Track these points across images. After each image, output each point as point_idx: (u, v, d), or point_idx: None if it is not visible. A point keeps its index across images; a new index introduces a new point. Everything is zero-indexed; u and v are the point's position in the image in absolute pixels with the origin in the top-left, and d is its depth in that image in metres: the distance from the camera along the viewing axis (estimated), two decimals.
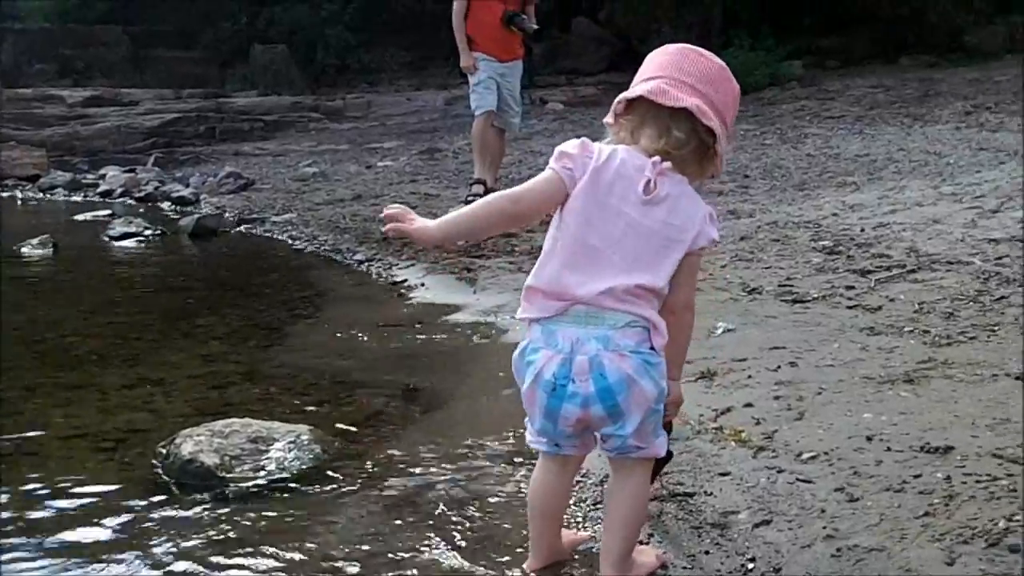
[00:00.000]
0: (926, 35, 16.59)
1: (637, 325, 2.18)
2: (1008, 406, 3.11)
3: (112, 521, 2.87)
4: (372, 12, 18.77)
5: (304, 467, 3.17)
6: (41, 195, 11.64)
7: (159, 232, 8.33)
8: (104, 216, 9.43)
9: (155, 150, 14.18)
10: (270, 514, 2.89)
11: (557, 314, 2.20)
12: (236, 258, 7.55)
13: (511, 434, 3.44)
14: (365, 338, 4.89)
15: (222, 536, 2.76)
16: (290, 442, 3.26)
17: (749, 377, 3.64)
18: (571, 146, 2.25)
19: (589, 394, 2.18)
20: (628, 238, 2.19)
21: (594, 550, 2.50)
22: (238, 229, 8.59)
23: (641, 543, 2.55)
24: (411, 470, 3.19)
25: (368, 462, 3.27)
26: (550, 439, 2.33)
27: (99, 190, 11.49)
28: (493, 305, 5.23)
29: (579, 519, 2.76)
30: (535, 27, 8.08)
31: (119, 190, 11.27)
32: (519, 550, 2.57)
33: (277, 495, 3.04)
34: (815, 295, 4.63)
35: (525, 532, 2.54)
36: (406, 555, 2.62)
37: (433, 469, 3.19)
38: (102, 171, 12.63)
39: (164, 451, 3.23)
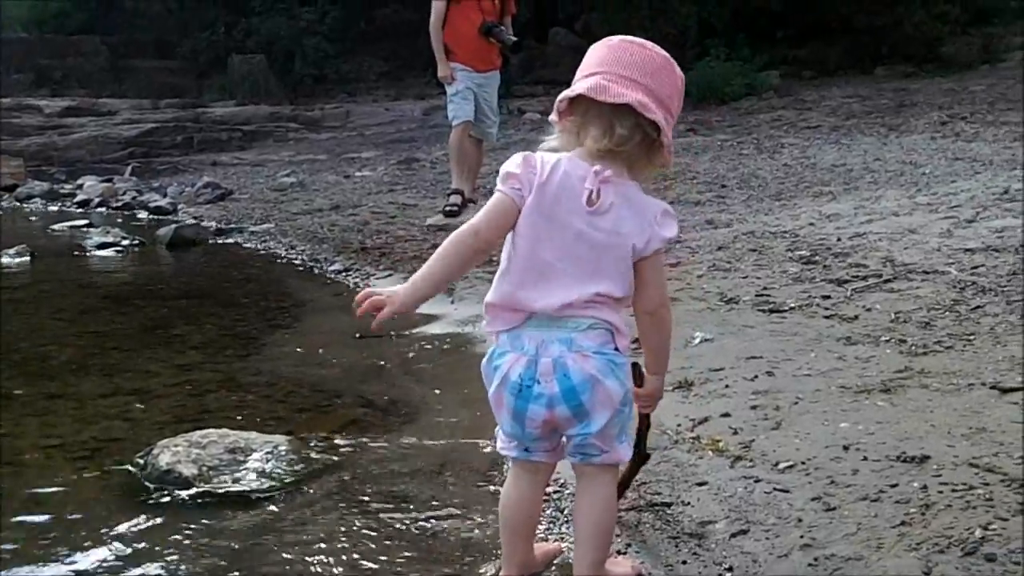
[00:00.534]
0: (902, 46, 16.70)
1: (599, 327, 2.19)
2: (984, 415, 3.12)
3: (88, 530, 2.86)
4: (350, 22, 18.79)
5: (282, 477, 3.17)
6: (18, 205, 11.57)
7: (136, 242, 8.29)
8: (81, 226, 9.38)
9: (133, 160, 14.13)
10: (247, 524, 2.88)
11: (520, 324, 2.21)
12: (213, 268, 7.52)
13: (489, 444, 3.44)
14: (343, 348, 4.88)
15: (198, 546, 2.75)
16: (268, 452, 3.25)
17: (726, 387, 3.65)
18: (514, 165, 2.22)
19: (554, 394, 2.18)
20: (580, 249, 2.18)
21: (570, 560, 2.50)
22: (216, 239, 8.55)
23: (619, 553, 2.55)
24: (389, 480, 3.19)
25: (346, 472, 3.27)
26: (519, 443, 2.33)
27: (76, 200, 11.43)
28: (471, 315, 5.22)
29: (563, 530, 2.76)
30: (513, 38, 8.09)
31: (96, 200, 11.21)
32: (497, 560, 2.56)
33: (254, 505, 3.02)
34: (792, 305, 4.65)
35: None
36: (384, 565, 2.62)
37: (411, 479, 3.19)
38: (79, 181, 12.57)
39: (142, 461, 3.22)
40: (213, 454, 3.20)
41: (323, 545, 2.75)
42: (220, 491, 3.08)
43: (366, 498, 3.06)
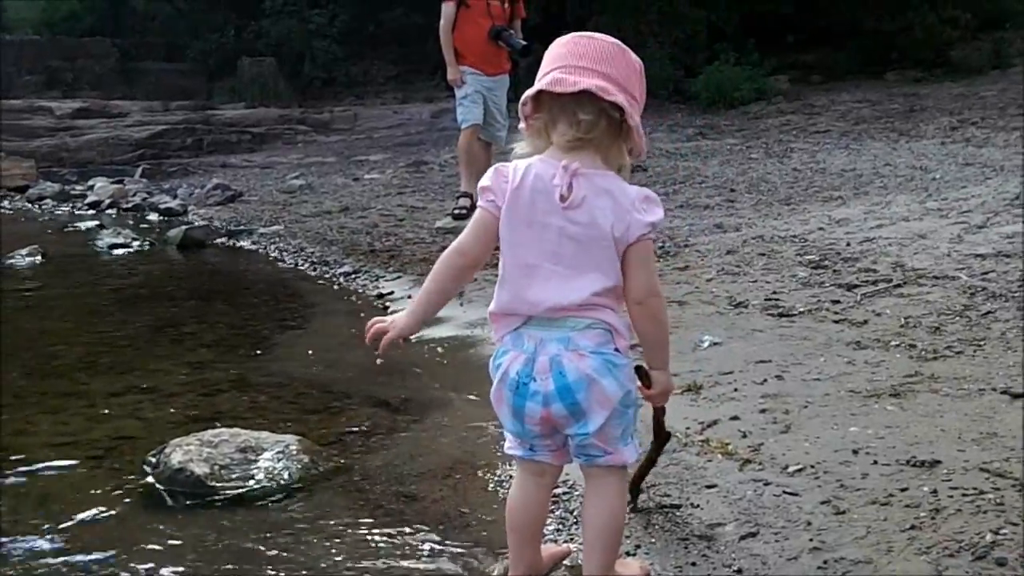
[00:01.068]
0: (912, 50, 16.69)
1: (598, 327, 2.21)
2: (994, 420, 3.13)
3: (101, 528, 2.88)
4: (359, 25, 18.80)
5: (293, 477, 3.18)
6: (30, 206, 11.60)
7: (147, 243, 8.32)
8: (92, 227, 9.41)
9: (143, 162, 14.17)
10: (259, 523, 2.90)
11: (521, 324, 2.24)
12: (223, 269, 7.55)
13: (498, 444, 3.45)
14: (353, 349, 4.89)
15: (210, 545, 2.77)
16: (279, 452, 3.26)
17: (735, 390, 3.66)
18: (487, 178, 2.26)
19: (549, 392, 2.20)
20: (563, 247, 2.19)
21: (580, 561, 2.51)
22: (225, 241, 8.58)
23: (628, 554, 2.56)
24: (398, 480, 3.20)
25: (356, 472, 3.28)
26: (523, 441, 2.35)
27: (87, 201, 11.46)
28: (479, 317, 5.22)
29: (573, 531, 2.77)
30: (522, 43, 8.10)
31: (107, 201, 11.24)
32: (507, 560, 2.57)
33: (266, 504, 3.04)
34: (801, 309, 4.65)
35: None
36: (394, 564, 2.63)
37: (420, 479, 3.20)
38: (90, 182, 12.60)
39: (154, 460, 3.23)
40: (225, 453, 3.21)
41: (333, 544, 2.77)
42: (231, 490, 3.10)
43: (376, 498, 3.08)
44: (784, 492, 2.78)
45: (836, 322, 4.43)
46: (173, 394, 4.18)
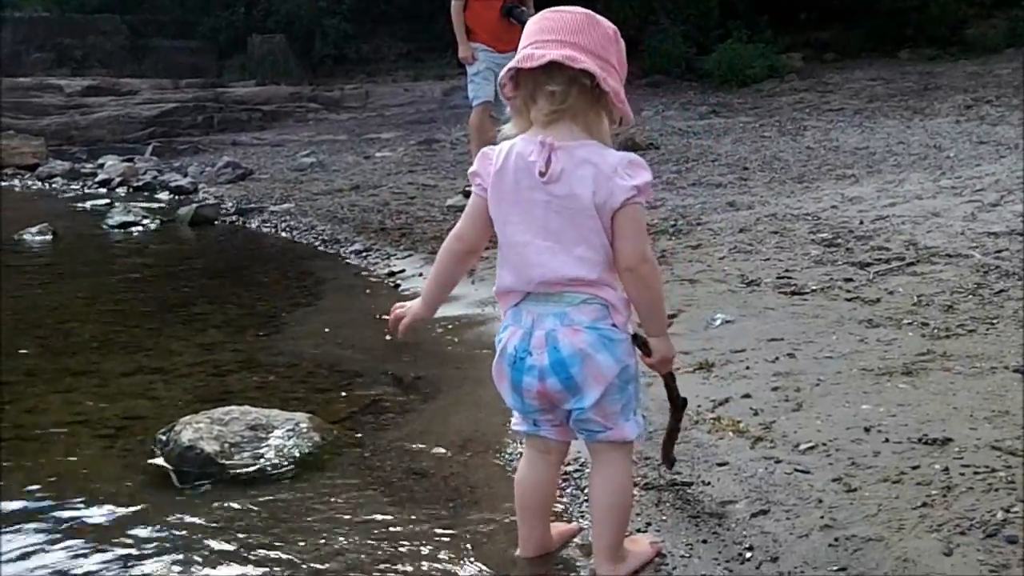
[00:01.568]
0: (926, 28, 16.58)
1: (594, 302, 2.23)
2: (1006, 399, 3.11)
3: (112, 507, 2.88)
4: (370, 2, 18.75)
5: (303, 454, 3.18)
6: (40, 184, 11.62)
7: (157, 221, 8.33)
8: (102, 205, 9.42)
9: (153, 139, 14.19)
10: (269, 501, 2.90)
11: (521, 300, 2.28)
12: (234, 247, 7.55)
13: (507, 423, 3.44)
14: (363, 328, 4.89)
15: (221, 523, 2.77)
16: (289, 430, 3.26)
17: (747, 368, 3.65)
18: (475, 164, 2.32)
19: (544, 366, 2.23)
20: (550, 221, 2.21)
21: (590, 538, 2.51)
22: (236, 219, 8.58)
23: (638, 531, 2.56)
24: (409, 458, 3.20)
25: (366, 450, 3.29)
26: (526, 417, 2.38)
27: (97, 179, 11.47)
28: (490, 295, 5.19)
29: (584, 508, 2.77)
30: None
31: (117, 179, 11.25)
32: (517, 537, 2.57)
33: (276, 482, 3.04)
34: (814, 287, 4.63)
35: None
36: (403, 542, 2.63)
37: (431, 457, 3.20)
38: (100, 160, 12.61)
39: (164, 438, 3.24)
40: (235, 431, 3.22)
41: (343, 521, 2.77)
42: (241, 468, 3.10)
43: (387, 475, 3.08)
44: (795, 470, 2.77)
45: (848, 300, 4.41)
46: (184, 373, 4.18)
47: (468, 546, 2.60)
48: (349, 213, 8.15)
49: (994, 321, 3.92)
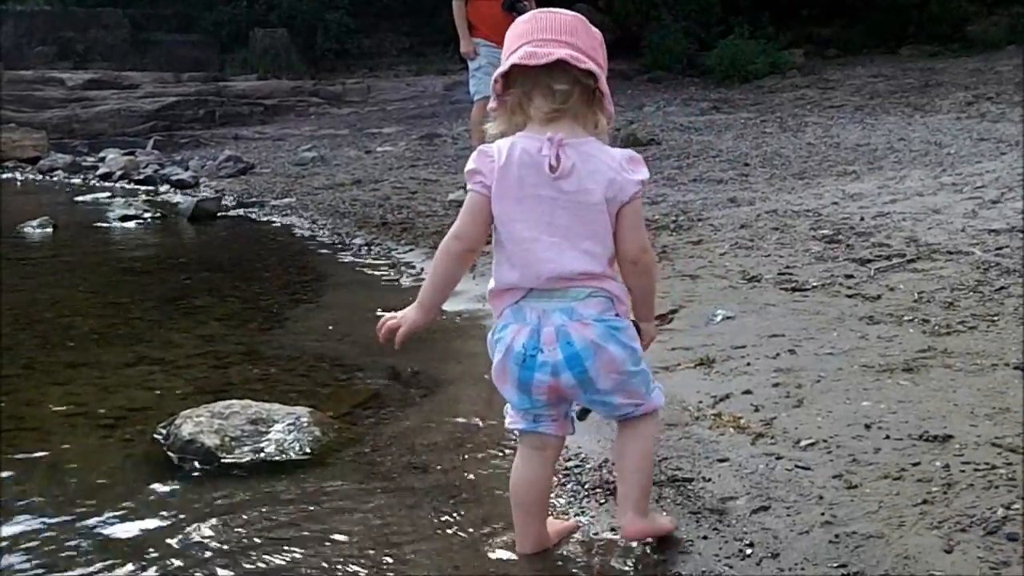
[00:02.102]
0: (927, 25, 16.57)
1: (599, 295, 2.26)
2: (1007, 395, 3.11)
3: (111, 497, 2.88)
4: None
5: (303, 449, 3.18)
6: (41, 177, 11.63)
7: (158, 215, 8.34)
8: (103, 198, 9.43)
9: (154, 133, 14.19)
10: (269, 495, 2.90)
11: (521, 297, 2.28)
12: (235, 241, 7.55)
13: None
14: (364, 322, 4.88)
15: (221, 516, 2.77)
16: (290, 424, 3.26)
17: (748, 364, 3.65)
18: (474, 161, 2.30)
19: (558, 361, 2.25)
20: (557, 217, 2.24)
21: (591, 536, 2.52)
22: (237, 212, 8.58)
23: None
24: (409, 452, 3.20)
25: (367, 444, 3.28)
26: (525, 414, 2.38)
27: (99, 172, 11.49)
28: None
29: (584, 504, 2.77)
30: None
31: (118, 173, 11.26)
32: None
33: (276, 476, 3.04)
34: (814, 283, 4.63)
35: None
36: (404, 536, 2.63)
37: (431, 451, 3.20)
38: (102, 153, 12.64)
39: (164, 431, 3.24)
40: (235, 425, 3.22)
41: (343, 516, 2.77)
42: (242, 461, 3.10)
43: (387, 469, 3.08)
44: (796, 466, 2.77)
45: (849, 296, 4.41)
46: (184, 366, 4.18)
47: (468, 540, 2.60)
48: (350, 208, 8.15)
49: (995, 318, 3.92)
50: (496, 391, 2.30)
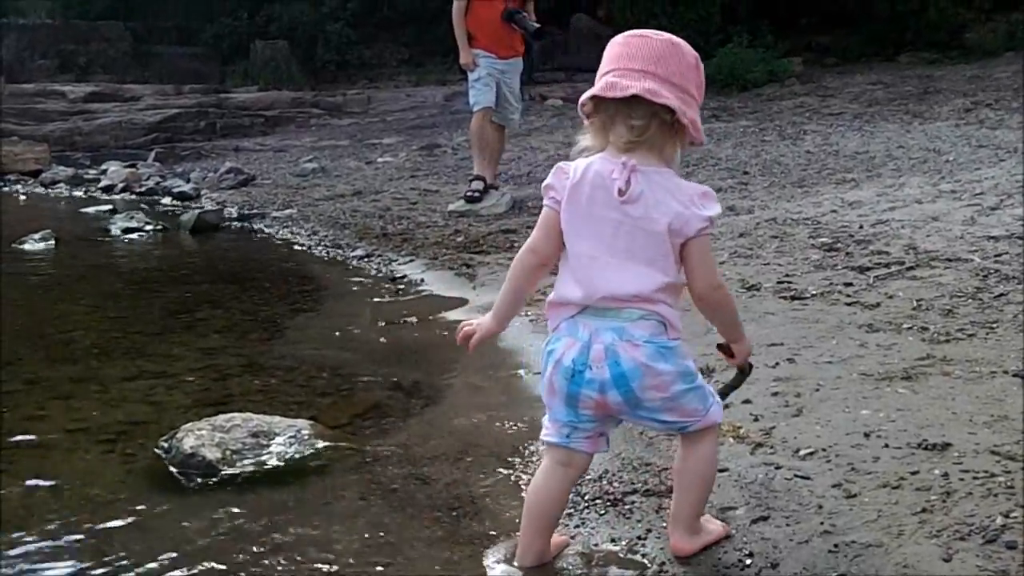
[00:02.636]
0: (925, 32, 16.57)
1: (651, 319, 2.28)
2: (1006, 403, 3.12)
3: (113, 512, 2.89)
4: (372, 8, 18.80)
5: (305, 461, 3.19)
6: (43, 190, 11.65)
7: (160, 227, 8.35)
8: (105, 211, 9.44)
9: (156, 145, 14.21)
10: (271, 508, 2.90)
11: (577, 312, 2.32)
12: (236, 253, 7.56)
13: (509, 429, 3.46)
14: (365, 333, 4.91)
15: (223, 529, 2.78)
16: (291, 436, 3.27)
17: None
18: (550, 177, 2.36)
19: (605, 380, 2.27)
20: (619, 240, 2.27)
21: (593, 547, 2.52)
22: (238, 224, 8.60)
23: (639, 539, 2.57)
24: (410, 464, 3.21)
25: (367, 456, 3.29)
26: (562, 426, 2.39)
27: (100, 185, 11.51)
28: (492, 301, 5.17)
29: (584, 515, 2.77)
30: (536, 25, 8.07)
31: (120, 185, 11.28)
32: (516, 544, 2.58)
33: (278, 489, 3.05)
34: (814, 292, 4.64)
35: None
36: (405, 548, 2.64)
37: (432, 463, 3.21)
38: (103, 166, 12.65)
39: (166, 445, 3.25)
40: (237, 438, 3.23)
41: (345, 528, 2.78)
42: (244, 474, 3.11)
43: (388, 481, 3.08)
44: (795, 476, 2.78)
45: (848, 305, 4.42)
46: (185, 379, 4.18)
47: (469, 553, 2.61)
48: (351, 218, 8.17)
49: (994, 325, 3.93)
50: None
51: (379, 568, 2.54)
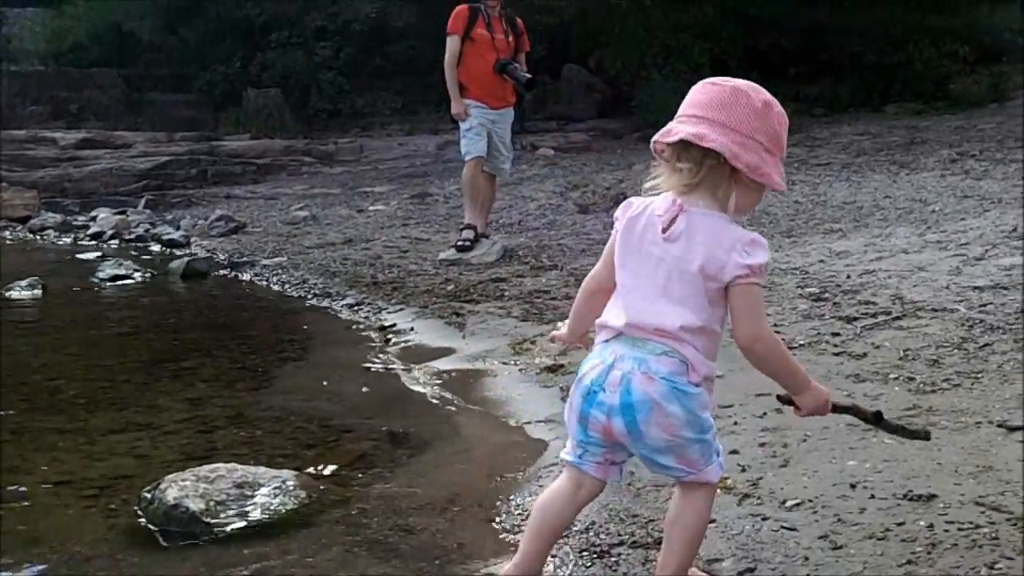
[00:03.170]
0: (912, 83, 16.78)
1: (674, 356, 2.29)
2: (991, 454, 3.13)
3: (95, 570, 2.86)
4: (365, 57, 18.93)
5: (289, 512, 3.17)
6: (32, 236, 11.64)
7: (149, 274, 8.34)
8: (94, 258, 9.43)
9: (147, 192, 14.23)
10: (254, 560, 2.88)
11: (612, 337, 2.35)
12: (225, 301, 7.55)
13: (496, 479, 3.45)
14: (353, 382, 4.90)
15: None
16: (276, 487, 3.26)
17: (735, 424, 3.66)
18: (619, 208, 2.43)
19: (613, 406, 2.29)
20: (659, 275, 2.30)
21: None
22: (228, 272, 8.60)
23: None
24: (395, 514, 3.19)
25: (354, 507, 3.27)
26: (577, 445, 2.41)
27: (90, 232, 11.50)
28: (481, 350, 5.24)
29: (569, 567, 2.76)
30: (527, 76, 8.15)
31: (110, 232, 11.28)
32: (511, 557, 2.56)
33: (262, 540, 3.03)
34: (801, 341, 4.66)
35: None
36: None
37: (418, 513, 3.19)
38: (93, 213, 12.65)
39: (149, 496, 3.22)
40: (221, 488, 3.21)
41: None
42: (228, 526, 3.09)
43: (373, 532, 3.07)
44: (782, 527, 2.78)
45: (836, 355, 4.44)
46: (170, 431, 4.16)
47: None
48: (341, 267, 8.18)
49: (979, 375, 3.94)
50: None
51: None
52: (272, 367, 5.34)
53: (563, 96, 18.19)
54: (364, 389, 4.77)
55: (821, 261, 6.56)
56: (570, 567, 2.74)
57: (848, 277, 5.93)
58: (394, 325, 6.12)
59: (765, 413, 3.72)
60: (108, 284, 8.02)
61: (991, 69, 16.81)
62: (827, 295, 5.52)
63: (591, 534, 2.90)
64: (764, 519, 2.85)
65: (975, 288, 5.28)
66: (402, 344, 5.70)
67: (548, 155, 15.34)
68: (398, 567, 2.82)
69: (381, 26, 18.80)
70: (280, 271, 8.32)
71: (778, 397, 2.47)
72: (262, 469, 3.38)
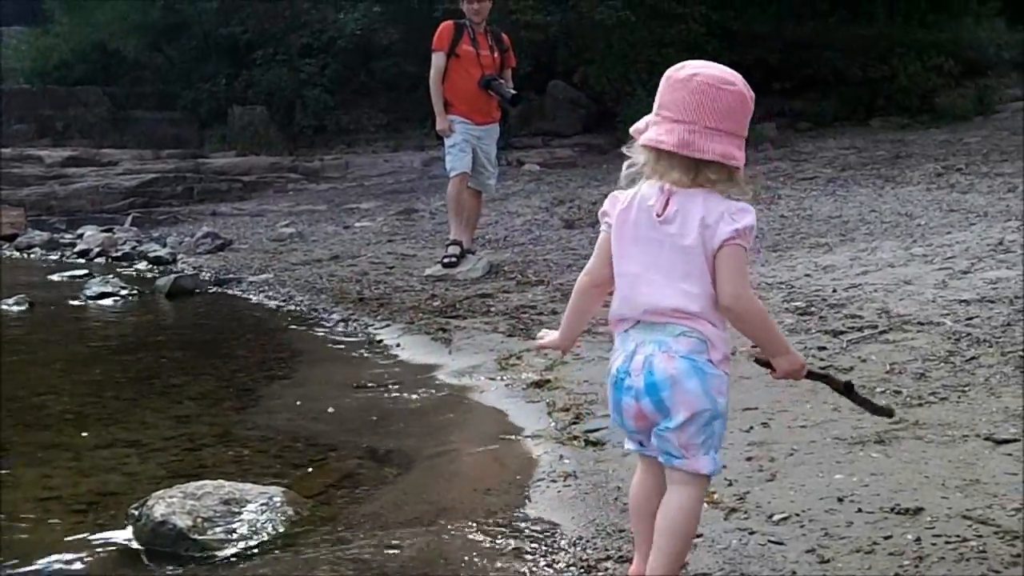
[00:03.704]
0: (897, 97, 16.86)
1: (693, 336, 2.35)
2: (978, 467, 3.14)
3: None
4: (350, 74, 18.93)
5: (277, 529, 3.17)
6: (18, 254, 11.61)
7: (135, 292, 8.31)
8: (81, 275, 9.40)
9: (133, 210, 14.20)
10: None
11: (630, 327, 2.42)
12: (212, 318, 7.53)
13: (484, 496, 3.44)
14: (340, 399, 4.88)
15: None
16: (263, 504, 3.25)
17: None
18: (605, 203, 2.49)
19: (639, 388, 2.36)
20: (661, 258, 2.36)
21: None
22: (214, 289, 8.58)
23: None
24: (383, 532, 3.18)
25: (340, 524, 3.26)
26: (631, 435, 2.49)
27: (76, 249, 11.47)
28: (468, 366, 5.24)
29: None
30: (512, 91, 8.16)
31: (96, 250, 11.25)
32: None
33: (249, 558, 3.02)
34: None
35: None
36: None
37: (405, 532, 3.18)
38: (80, 230, 12.63)
39: (136, 513, 3.21)
40: (208, 505, 3.20)
41: None
42: (215, 543, 3.08)
43: (359, 550, 3.05)
44: (769, 541, 2.78)
45: (822, 368, 4.43)
46: (158, 448, 4.14)
47: None
48: (327, 283, 8.17)
49: (965, 388, 3.96)
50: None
51: None
52: (259, 385, 5.32)
53: (548, 112, 18.22)
54: (351, 407, 4.76)
55: (807, 275, 6.57)
56: None
57: (834, 291, 5.94)
58: (381, 341, 6.12)
59: (751, 427, 3.73)
60: (95, 302, 7.99)
61: (976, 83, 16.91)
62: (813, 309, 5.53)
63: (578, 549, 2.90)
64: (751, 533, 2.85)
65: (961, 301, 5.30)
66: (388, 360, 5.69)
67: (534, 171, 15.37)
68: None
69: (366, 43, 18.81)
70: (266, 288, 8.31)
71: (756, 360, 2.54)
72: (249, 486, 3.37)
